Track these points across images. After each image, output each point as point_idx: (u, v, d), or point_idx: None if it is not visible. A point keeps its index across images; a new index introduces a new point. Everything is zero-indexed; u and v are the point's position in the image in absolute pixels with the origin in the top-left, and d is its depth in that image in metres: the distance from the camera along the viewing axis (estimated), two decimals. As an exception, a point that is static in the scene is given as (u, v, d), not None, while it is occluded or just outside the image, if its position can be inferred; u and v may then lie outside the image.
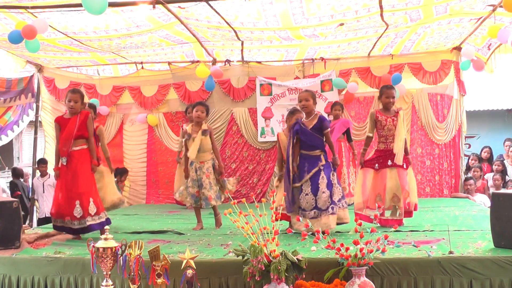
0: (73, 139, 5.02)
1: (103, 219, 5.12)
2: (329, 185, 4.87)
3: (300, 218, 4.47)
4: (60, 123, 5.17)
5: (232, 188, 5.82)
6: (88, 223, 5.00)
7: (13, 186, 9.24)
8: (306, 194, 4.87)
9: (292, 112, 5.49)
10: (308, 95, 5.00)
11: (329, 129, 5.01)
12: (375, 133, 5.55)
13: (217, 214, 5.73)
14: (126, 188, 9.24)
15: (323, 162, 4.93)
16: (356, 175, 7.23)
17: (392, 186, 5.30)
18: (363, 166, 5.51)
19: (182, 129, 7.76)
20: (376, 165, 5.42)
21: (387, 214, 5.41)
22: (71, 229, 5.06)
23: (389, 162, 5.33)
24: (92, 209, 5.03)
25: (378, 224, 5.12)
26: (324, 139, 5.01)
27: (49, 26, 6.11)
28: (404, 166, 5.37)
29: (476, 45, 7.99)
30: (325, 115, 8.28)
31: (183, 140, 5.90)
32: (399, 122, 5.36)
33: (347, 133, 7.40)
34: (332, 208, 4.83)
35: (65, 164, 5.05)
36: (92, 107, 6.67)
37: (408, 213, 5.41)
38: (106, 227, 3.44)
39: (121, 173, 8.83)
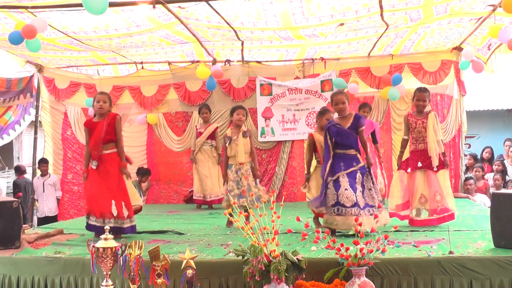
0: (102, 143, 5.07)
1: (134, 223, 5.23)
2: (363, 186, 4.81)
3: (300, 218, 4.41)
4: (89, 126, 5.22)
5: (264, 197, 5.74)
6: (125, 225, 5.10)
7: (15, 187, 9.25)
8: (346, 189, 4.74)
9: (322, 112, 5.61)
10: (344, 97, 4.96)
11: (364, 127, 4.94)
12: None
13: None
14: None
15: (361, 163, 4.86)
16: (383, 176, 7.35)
17: (419, 187, 5.34)
18: (399, 167, 5.57)
19: (197, 130, 7.86)
20: (409, 169, 5.49)
21: (414, 214, 5.41)
22: (102, 229, 5.09)
23: (419, 164, 5.38)
24: (125, 212, 5.13)
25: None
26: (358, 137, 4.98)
27: (49, 25, 6.11)
28: (435, 169, 5.36)
29: (476, 45, 7.99)
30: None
31: (226, 144, 5.86)
32: (428, 123, 5.35)
33: (372, 135, 7.30)
34: (369, 210, 4.73)
35: (94, 168, 5.11)
36: None
37: (440, 219, 5.31)
38: (106, 227, 3.44)
39: (142, 173, 8.80)
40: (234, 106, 6.08)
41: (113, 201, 5.06)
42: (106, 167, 5.11)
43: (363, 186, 4.82)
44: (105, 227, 3.42)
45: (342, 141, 4.87)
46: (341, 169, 4.82)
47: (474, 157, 9.23)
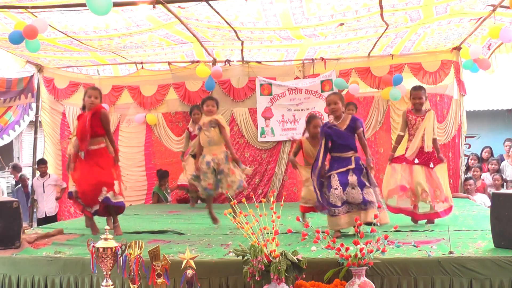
0: (90, 136, 5.08)
1: (121, 200, 5.21)
2: (361, 184, 4.73)
3: (299, 218, 4.40)
4: (78, 119, 5.29)
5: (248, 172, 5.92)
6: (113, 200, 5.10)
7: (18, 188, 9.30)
8: (335, 189, 4.71)
9: (309, 120, 5.59)
10: (336, 98, 4.92)
11: (361, 129, 4.90)
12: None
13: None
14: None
15: (353, 165, 4.79)
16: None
17: (420, 182, 5.37)
18: (391, 162, 5.56)
19: (187, 130, 7.83)
20: (404, 162, 5.51)
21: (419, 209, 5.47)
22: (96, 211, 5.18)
23: (416, 161, 5.41)
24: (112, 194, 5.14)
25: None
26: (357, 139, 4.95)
27: (49, 25, 6.11)
28: (431, 166, 5.41)
29: (474, 44, 7.99)
30: (325, 116, 8.30)
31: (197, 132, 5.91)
32: (425, 119, 5.40)
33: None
34: (365, 204, 4.67)
35: (83, 158, 5.14)
36: None
37: (442, 213, 5.39)
38: (106, 227, 3.44)
39: (161, 176, 8.79)
40: (204, 98, 6.02)
41: (103, 189, 5.07)
42: (95, 161, 5.12)
43: (360, 183, 4.73)
44: (105, 227, 3.42)
45: (340, 141, 4.82)
46: (333, 169, 4.81)
47: (478, 157, 9.23)
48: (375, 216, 4.38)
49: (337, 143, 4.85)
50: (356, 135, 4.89)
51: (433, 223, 5.40)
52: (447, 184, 5.59)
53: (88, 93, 5.20)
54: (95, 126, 5.12)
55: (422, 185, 5.35)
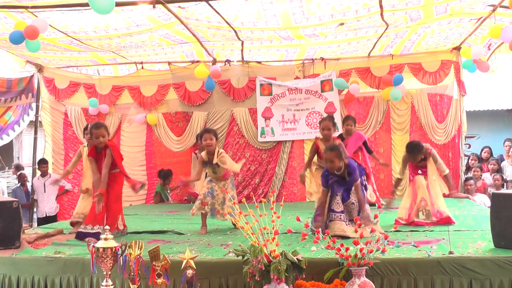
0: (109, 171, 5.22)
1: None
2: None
3: (299, 218, 4.39)
4: (94, 157, 5.29)
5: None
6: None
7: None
8: (336, 195, 4.78)
9: (319, 122, 5.70)
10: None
11: (358, 181, 4.79)
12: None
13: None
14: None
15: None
16: (374, 188, 7.35)
17: (420, 190, 5.41)
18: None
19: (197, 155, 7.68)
20: (411, 176, 5.60)
21: (414, 216, 5.41)
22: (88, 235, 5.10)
23: (419, 171, 5.49)
24: (120, 225, 5.29)
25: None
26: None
27: (49, 25, 6.11)
28: (434, 178, 5.46)
29: (476, 45, 7.99)
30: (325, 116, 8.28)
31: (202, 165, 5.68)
32: (429, 170, 5.47)
33: (365, 145, 7.17)
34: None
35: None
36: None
37: (440, 221, 5.33)
38: (106, 227, 3.44)
39: (164, 176, 8.77)
40: (201, 132, 5.87)
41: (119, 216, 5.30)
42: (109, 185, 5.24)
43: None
44: (105, 227, 3.42)
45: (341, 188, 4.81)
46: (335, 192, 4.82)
47: (478, 157, 9.23)
48: (372, 230, 4.41)
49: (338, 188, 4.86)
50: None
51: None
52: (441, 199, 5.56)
53: (94, 134, 5.19)
54: (113, 162, 5.25)
55: (421, 194, 5.39)
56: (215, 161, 5.38)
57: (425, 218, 5.38)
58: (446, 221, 5.28)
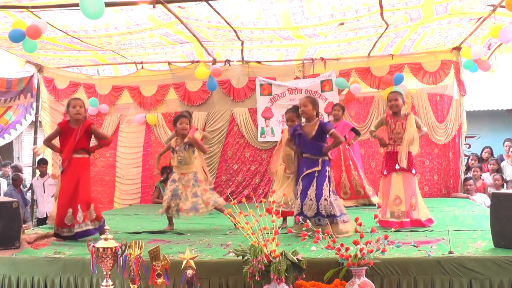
0: (74, 151, 5.06)
1: (89, 227, 5.06)
2: (319, 195, 4.76)
3: (300, 218, 4.40)
4: (63, 129, 5.14)
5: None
6: (75, 231, 4.98)
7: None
8: (310, 200, 4.79)
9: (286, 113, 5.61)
10: (307, 101, 4.97)
11: (332, 130, 4.91)
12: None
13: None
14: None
15: (319, 167, 4.84)
16: (360, 175, 7.46)
17: (394, 189, 5.32)
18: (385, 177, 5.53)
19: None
20: (385, 170, 5.48)
21: (388, 215, 5.34)
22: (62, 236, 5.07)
23: (397, 166, 5.37)
24: (80, 217, 5.01)
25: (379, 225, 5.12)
26: (329, 140, 4.99)
27: (50, 24, 6.12)
28: (413, 172, 5.39)
29: (476, 45, 7.99)
30: (325, 116, 8.30)
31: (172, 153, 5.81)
32: (407, 125, 5.35)
33: (353, 130, 7.46)
34: (319, 220, 4.71)
35: (60, 172, 5.15)
36: None
37: (417, 222, 5.27)
38: (107, 226, 3.44)
39: (168, 172, 8.74)
40: (177, 115, 5.88)
41: (69, 210, 5.00)
42: (73, 171, 5.06)
43: (319, 194, 4.76)
44: (105, 227, 3.42)
45: (305, 151, 4.92)
46: (302, 172, 4.89)
47: (478, 157, 9.23)
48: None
49: (304, 148, 4.95)
50: (329, 136, 4.93)
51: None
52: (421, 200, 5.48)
53: (72, 103, 5.10)
54: (83, 141, 5.15)
55: (395, 192, 5.30)
56: (185, 140, 5.57)
57: (396, 218, 5.24)
58: (418, 224, 5.22)
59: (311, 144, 4.89)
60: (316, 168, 4.83)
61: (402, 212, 5.26)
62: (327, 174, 4.87)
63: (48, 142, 5.34)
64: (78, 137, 5.04)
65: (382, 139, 5.54)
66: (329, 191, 4.82)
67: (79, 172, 5.08)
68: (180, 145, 5.63)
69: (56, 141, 5.31)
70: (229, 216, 3.46)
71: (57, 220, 5.06)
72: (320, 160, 4.86)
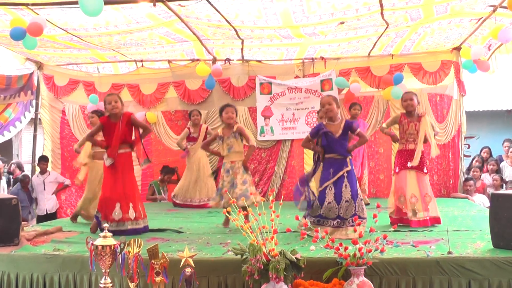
0: (120, 144, 5.19)
1: (140, 226, 5.24)
2: (354, 195, 4.74)
3: (298, 217, 4.38)
4: (105, 125, 5.26)
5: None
6: (128, 227, 5.14)
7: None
8: (329, 203, 4.74)
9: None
10: (331, 100, 4.91)
11: (359, 130, 4.89)
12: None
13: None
14: None
15: (349, 167, 4.81)
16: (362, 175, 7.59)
17: (410, 187, 5.34)
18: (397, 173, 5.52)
19: (189, 131, 7.96)
20: (397, 168, 5.50)
21: (410, 214, 5.33)
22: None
23: (408, 164, 5.38)
24: (131, 214, 5.18)
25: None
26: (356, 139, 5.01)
27: (50, 22, 6.11)
28: (425, 170, 5.42)
29: (476, 45, 7.98)
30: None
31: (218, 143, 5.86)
32: (421, 127, 5.39)
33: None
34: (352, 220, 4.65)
35: (108, 165, 5.22)
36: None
37: (436, 220, 5.32)
38: (105, 225, 3.44)
39: (166, 172, 8.75)
40: (223, 105, 5.95)
41: (117, 204, 5.15)
42: (121, 167, 5.22)
43: (354, 195, 4.75)
44: (104, 225, 3.43)
45: (333, 150, 4.84)
46: (329, 178, 4.80)
47: (482, 160, 9.22)
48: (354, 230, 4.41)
49: (330, 150, 4.88)
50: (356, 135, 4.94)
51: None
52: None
53: (107, 100, 5.24)
54: (126, 134, 5.30)
55: (411, 191, 5.32)
56: (234, 129, 5.65)
57: (412, 215, 5.28)
58: (436, 221, 5.31)
59: (339, 143, 4.82)
60: (347, 169, 4.80)
61: (418, 210, 5.30)
62: (355, 173, 4.90)
63: (90, 137, 5.47)
64: (121, 130, 5.15)
65: (395, 135, 5.59)
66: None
67: (124, 167, 5.24)
68: (229, 134, 5.69)
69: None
70: (227, 214, 3.46)
71: (103, 214, 5.18)
72: (348, 160, 4.83)
